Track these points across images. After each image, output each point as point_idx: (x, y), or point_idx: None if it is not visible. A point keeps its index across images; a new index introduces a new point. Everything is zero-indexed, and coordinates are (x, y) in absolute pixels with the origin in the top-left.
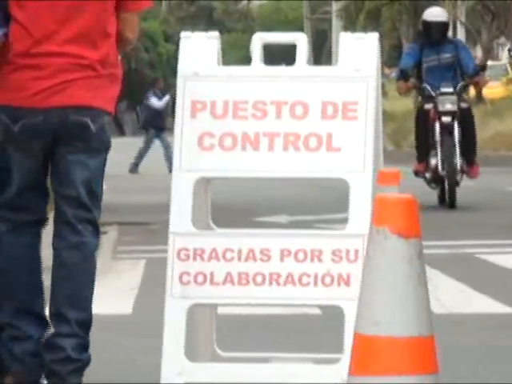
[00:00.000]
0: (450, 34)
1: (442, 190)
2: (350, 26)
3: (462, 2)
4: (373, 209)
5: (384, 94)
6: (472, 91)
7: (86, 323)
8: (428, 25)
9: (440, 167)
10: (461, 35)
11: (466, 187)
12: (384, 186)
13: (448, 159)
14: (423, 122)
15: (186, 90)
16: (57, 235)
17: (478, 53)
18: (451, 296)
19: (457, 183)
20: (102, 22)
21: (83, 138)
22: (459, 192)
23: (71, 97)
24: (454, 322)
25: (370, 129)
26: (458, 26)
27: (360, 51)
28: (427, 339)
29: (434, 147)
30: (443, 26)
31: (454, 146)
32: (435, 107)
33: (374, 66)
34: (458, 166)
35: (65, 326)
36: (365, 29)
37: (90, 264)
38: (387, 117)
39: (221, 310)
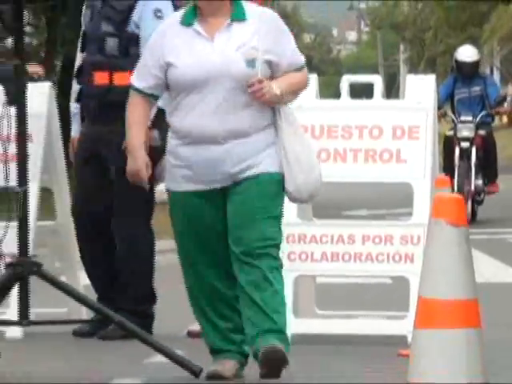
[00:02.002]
0: (491, 75)
1: None
2: (413, 69)
3: (497, 51)
4: (431, 205)
5: (439, 120)
6: (504, 118)
7: None
8: (461, 64)
9: (456, 189)
10: (496, 76)
11: (503, 195)
12: (439, 188)
13: (462, 181)
14: (448, 146)
15: None
16: None
17: (510, 90)
18: (489, 270)
19: (477, 202)
20: None
21: None
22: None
23: None
24: (491, 289)
25: (428, 146)
26: (494, 70)
27: (421, 88)
28: (472, 302)
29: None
30: (474, 65)
31: (470, 169)
32: (455, 133)
33: (432, 100)
34: (473, 188)
35: None
36: (424, 72)
37: None
38: (441, 137)
39: (318, 280)
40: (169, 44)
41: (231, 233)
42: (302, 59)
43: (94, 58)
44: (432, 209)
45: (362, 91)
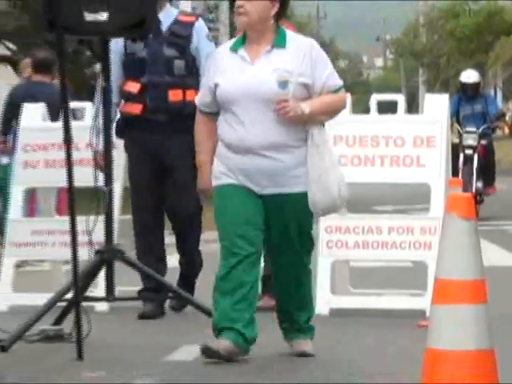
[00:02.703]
0: (491, 94)
1: None
2: (430, 90)
3: (500, 74)
4: (445, 202)
5: (451, 131)
6: (506, 129)
7: None
8: (463, 85)
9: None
10: (499, 95)
11: (503, 195)
12: (452, 188)
13: (465, 184)
14: (453, 153)
15: (331, 130)
16: None
17: (511, 106)
18: (494, 255)
19: (478, 202)
20: None
21: None
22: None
23: None
24: (497, 271)
25: (443, 153)
26: (498, 90)
27: (436, 105)
28: (480, 282)
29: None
30: (475, 86)
31: (472, 173)
32: (460, 142)
33: (445, 114)
34: (474, 189)
35: None
36: (439, 92)
37: None
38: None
39: (352, 264)
40: (217, 67)
41: (276, 261)
42: (338, 82)
43: (162, 78)
44: (446, 205)
45: (387, 108)
